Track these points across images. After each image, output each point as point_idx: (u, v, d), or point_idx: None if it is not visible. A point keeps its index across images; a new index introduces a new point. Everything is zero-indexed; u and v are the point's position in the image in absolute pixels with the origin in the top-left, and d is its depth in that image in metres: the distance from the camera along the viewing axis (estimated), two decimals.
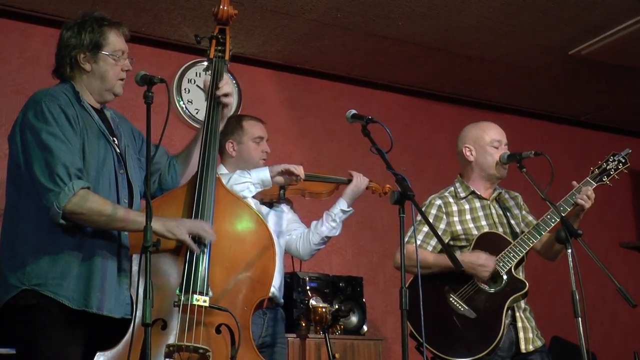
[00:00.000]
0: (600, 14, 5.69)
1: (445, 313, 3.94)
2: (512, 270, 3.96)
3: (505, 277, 3.96)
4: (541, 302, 6.73)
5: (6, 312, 2.95)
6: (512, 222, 4.16)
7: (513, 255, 3.96)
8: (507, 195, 4.30)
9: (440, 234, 4.00)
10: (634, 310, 3.90)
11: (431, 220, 4.05)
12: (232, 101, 3.37)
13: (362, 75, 6.78)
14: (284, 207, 4.30)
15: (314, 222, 4.29)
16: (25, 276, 2.92)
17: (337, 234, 4.27)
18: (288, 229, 4.30)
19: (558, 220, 3.88)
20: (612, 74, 6.73)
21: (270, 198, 4.12)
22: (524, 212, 4.29)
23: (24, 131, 3.01)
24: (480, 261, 3.92)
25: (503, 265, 3.94)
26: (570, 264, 3.43)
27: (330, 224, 4.22)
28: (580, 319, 3.37)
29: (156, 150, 3.06)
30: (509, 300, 3.92)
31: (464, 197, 4.19)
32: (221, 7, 3.49)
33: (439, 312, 3.95)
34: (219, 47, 3.46)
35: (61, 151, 2.93)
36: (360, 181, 4.25)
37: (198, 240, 3.05)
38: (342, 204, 4.23)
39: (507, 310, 3.91)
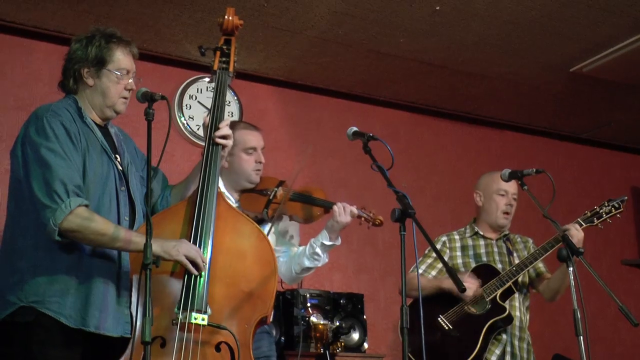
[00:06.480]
0: (602, 32, 5.69)
1: (433, 330, 4.31)
2: (497, 297, 4.31)
3: (489, 303, 4.32)
4: (543, 320, 6.72)
5: (4, 329, 2.93)
6: (516, 261, 4.41)
7: (499, 284, 4.30)
8: (518, 239, 4.61)
9: (440, 266, 4.46)
10: (635, 329, 3.88)
11: (434, 255, 4.47)
12: (230, 143, 3.28)
13: (363, 92, 6.77)
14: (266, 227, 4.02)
15: (300, 249, 4.07)
16: (23, 293, 2.90)
17: (320, 264, 4.03)
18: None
19: (544, 255, 4.27)
20: (613, 91, 6.72)
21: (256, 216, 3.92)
22: None
23: (24, 146, 3.00)
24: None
25: (489, 292, 4.31)
26: (572, 282, 3.44)
27: (312, 257, 3.98)
28: (581, 337, 3.37)
29: (155, 172, 3.04)
30: (489, 323, 4.28)
31: (469, 236, 4.59)
32: (227, 17, 3.45)
33: (427, 329, 4.14)
34: (224, 59, 3.41)
35: (60, 167, 2.91)
36: (341, 214, 3.94)
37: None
38: (324, 237, 3.97)
39: (486, 331, 4.26)
